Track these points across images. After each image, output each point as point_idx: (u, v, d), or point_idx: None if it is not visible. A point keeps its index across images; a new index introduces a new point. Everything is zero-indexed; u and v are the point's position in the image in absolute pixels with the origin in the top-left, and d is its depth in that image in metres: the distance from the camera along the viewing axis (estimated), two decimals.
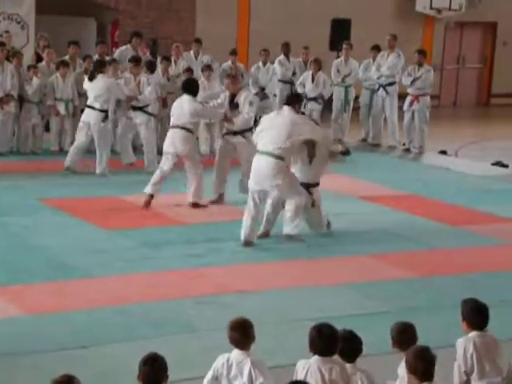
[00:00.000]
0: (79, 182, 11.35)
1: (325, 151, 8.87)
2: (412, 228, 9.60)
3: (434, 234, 9.41)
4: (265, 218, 8.91)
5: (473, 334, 4.92)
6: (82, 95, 12.57)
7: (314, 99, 14.68)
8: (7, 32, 14.28)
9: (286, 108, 8.82)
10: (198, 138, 11.87)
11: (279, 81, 15.37)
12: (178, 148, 10.12)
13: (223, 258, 8.23)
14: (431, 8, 21.05)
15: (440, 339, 5.70)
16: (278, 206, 8.83)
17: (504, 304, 7.06)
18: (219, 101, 10.46)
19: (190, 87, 10.34)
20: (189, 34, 17.51)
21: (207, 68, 13.58)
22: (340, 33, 16.99)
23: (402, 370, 4.55)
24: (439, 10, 21.20)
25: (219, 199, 10.45)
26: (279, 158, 8.49)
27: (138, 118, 12.03)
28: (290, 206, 8.62)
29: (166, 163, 10.18)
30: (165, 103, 13.63)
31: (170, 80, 13.79)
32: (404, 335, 4.71)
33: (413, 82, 14.58)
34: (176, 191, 10.49)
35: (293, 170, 8.84)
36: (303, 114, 12.67)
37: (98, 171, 11.71)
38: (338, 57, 15.92)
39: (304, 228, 8.88)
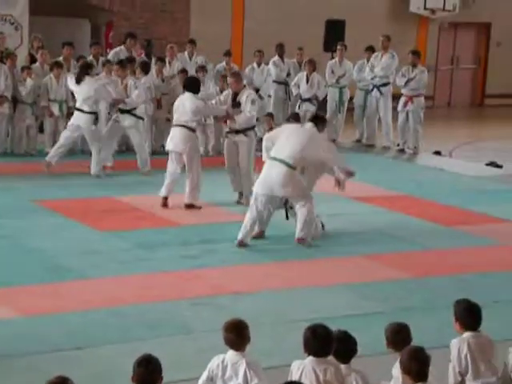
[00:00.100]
0: (74, 183, 11.33)
1: (324, 170, 8.93)
2: (406, 228, 9.62)
3: (428, 235, 9.42)
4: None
5: (467, 334, 4.93)
6: None
7: (309, 100, 14.70)
8: (1, 33, 14.24)
9: (309, 124, 8.93)
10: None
11: (274, 82, 15.37)
12: (178, 146, 10.11)
13: (218, 260, 8.23)
14: (425, 9, 21.08)
15: (434, 339, 5.72)
16: (273, 206, 8.84)
17: (498, 304, 7.09)
18: (221, 98, 10.49)
19: (192, 85, 10.35)
20: (183, 35, 17.52)
21: (201, 69, 13.60)
22: (334, 34, 17.00)
23: (396, 370, 4.56)
24: (433, 11, 21.23)
25: (241, 197, 10.45)
26: (291, 166, 8.55)
27: (126, 120, 11.95)
28: (302, 212, 8.62)
29: (171, 165, 10.19)
30: (159, 104, 13.64)
31: (165, 81, 13.79)
32: (398, 336, 4.72)
33: (407, 82, 14.60)
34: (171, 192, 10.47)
35: None
36: (297, 113, 12.76)
37: (92, 172, 11.71)
38: (333, 58, 15.96)
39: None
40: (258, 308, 6.83)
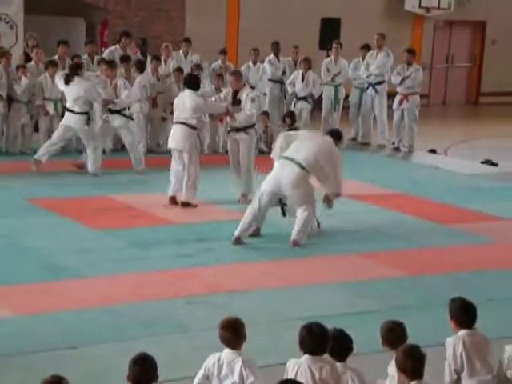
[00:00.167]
0: (68, 182, 11.31)
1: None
2: (402, 227, 9.63)
3: (423, 233, 9.43)
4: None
5: (462, 332, 4.93)
6: None
7: (304, 98, 14.69)
8: None
9: (328, 136, 9.00)
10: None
11: (269, 80, 15.36)
12: (178, 143, 10.11)
13: (214, 258, 8.22)
14: (420, 7, 21.12)
15: (430, 338, 5.72)
16: (272, 204, 8.84)
17: (493, 302, 7.09)
18: (222, 95, 10.50)
19: (192, 82, 10.35)
20: (178, 34, 17.53)
21: (197, 67, 13.60)
22: (330, 32, 17.03)
23: (392, 368, 4.56)
24: (428, 9, 21.26)
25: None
26: (304, 169, 8.58)
27: (116, 121, 11.92)
28: (303, 216, 8.63)
29: (174, 163, 10.20)
30: (154, 103, 13.63)
31: (160, 79, 13.78)
32: (394, 334, 4.72)
33: (402, 80, 14.61)
34: (166, 190, 10.46)
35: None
36: (293, 112, 12.78)
37: (90, 170, 11.69)
38: (328, 56, 15.96)
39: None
40: (253, 306, 6.82)
